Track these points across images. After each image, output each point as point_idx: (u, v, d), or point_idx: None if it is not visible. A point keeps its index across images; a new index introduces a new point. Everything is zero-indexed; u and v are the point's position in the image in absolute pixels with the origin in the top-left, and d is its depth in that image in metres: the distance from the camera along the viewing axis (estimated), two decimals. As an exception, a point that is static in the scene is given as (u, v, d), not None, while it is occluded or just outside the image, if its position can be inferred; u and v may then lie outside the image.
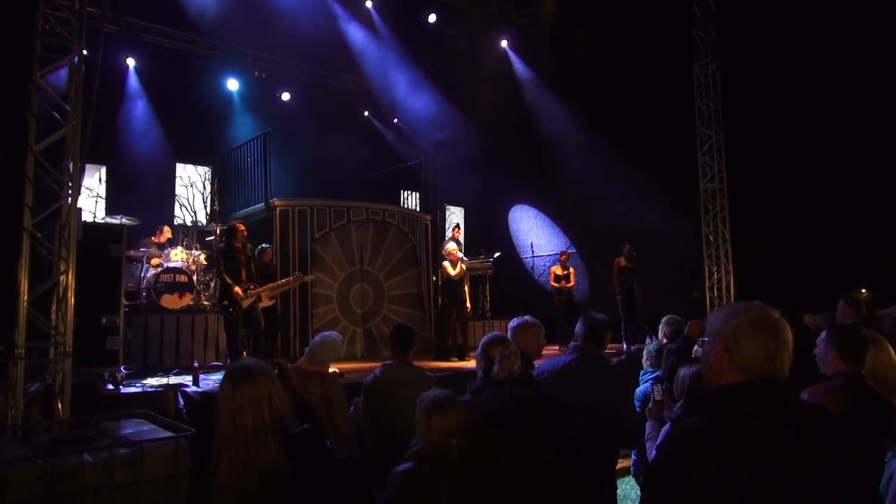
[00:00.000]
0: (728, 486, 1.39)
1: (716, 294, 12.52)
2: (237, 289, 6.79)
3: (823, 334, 2.96)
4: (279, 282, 7.48)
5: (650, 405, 3.53)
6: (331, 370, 4.30)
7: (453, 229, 11.67)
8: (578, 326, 3.64)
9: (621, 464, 5.81)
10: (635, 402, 4.49)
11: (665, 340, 4.96)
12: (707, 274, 12.58)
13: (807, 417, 1.51)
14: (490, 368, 3.20)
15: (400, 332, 4.23)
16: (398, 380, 3.97)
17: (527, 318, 3.87)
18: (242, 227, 7.13)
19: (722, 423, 1.47)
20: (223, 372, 6.88)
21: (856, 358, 2.82)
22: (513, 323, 3.89)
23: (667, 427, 3.17)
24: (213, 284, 9.25)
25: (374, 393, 4.01)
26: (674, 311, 5.65)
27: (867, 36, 10.19)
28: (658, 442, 3.18)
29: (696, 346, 4.74)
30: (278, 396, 2.19)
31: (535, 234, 15.44)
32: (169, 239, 9.46)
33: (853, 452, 1.47)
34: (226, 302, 6.90)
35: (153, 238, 9.34)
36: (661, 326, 5.36)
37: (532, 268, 14.88)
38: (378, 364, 4.23)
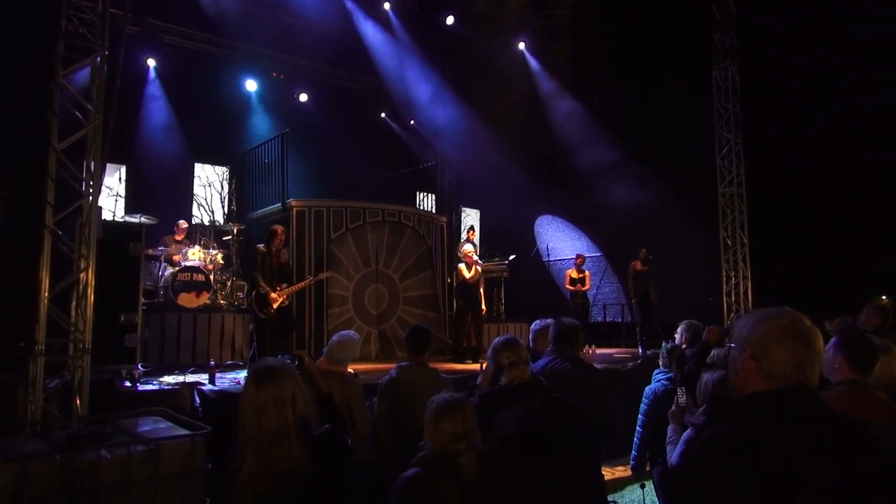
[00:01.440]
0: (755, 496, 1.37)
1: (733, 299, 12.40)
2: (273, 294, 6.98)
3: (833, 339, 2.90)
4: (298, 284, 7.59)
5: (673, 408, 3.52)
6: (349, 370, 4.30)
7: (468, 231, 11.68)
8: (551, 330, 3.76)
9: (625, 471, 5.77)
10: (643, 399, 4.49)
11: (684, 345, 4.91)
12: (725, 278, 12.46)
13: (836, 427, 1.48)
14: (498, 374, 3.21)
15: (416, 333, 4.22)
16: (413, 381, 3.96)
17: (549, 321, 3.89)
18: (281, 233, 7.27)
19: (749, 432, 1.44)
20: (237, 370, 6.91)
21: (864, 367, 2.75)
22: (535, 325, 3.92)
23: (688, 432, 3.15)
24: (229, 284, 9.30)
25: (390, 394, 4.00)
26: (691, 316, 5.59)
27: (890, 37, 10.04)
28: (680, 447, 3.16)
29: (712, 351, 4.69)
30: (302, 397, 2.19)
31: (554, 238, 15.40)
32: (186, 232, 9.55)
33: (884, 462, 1.44)
34: (259, 304, 7.03)
35: (175, 236, 9.43)
36: (679, 330, 5.31)
37: (548, 270, 14.84)
38: (393, 365, 4.24)
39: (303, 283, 7.80)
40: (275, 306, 7.00)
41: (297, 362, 2.69)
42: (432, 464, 2.37)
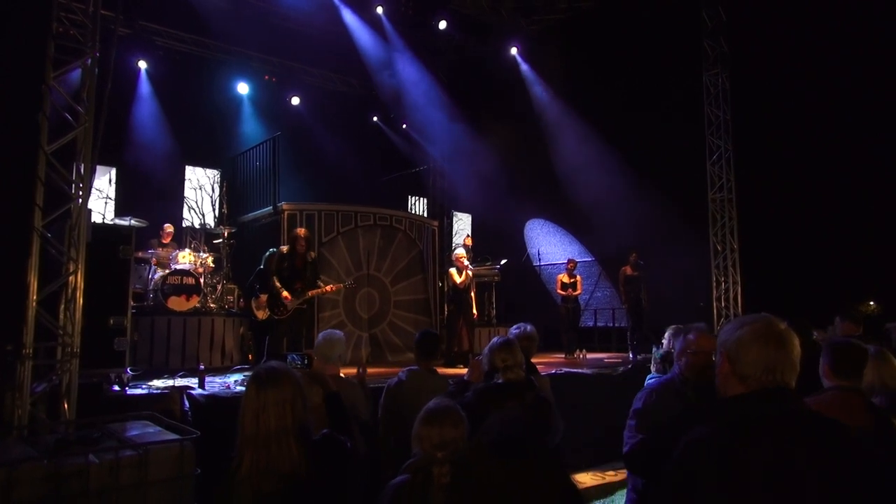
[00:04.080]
0: (733, 497, 1.40)
1: (723, 304, 12.45)
2: (285, 293, 6.82)
3: (823, 347, 2.97)
4: (320, 289, 7.29)
5: None
6: (342, 374, 4.29)
7: (465, 237, 11.73)
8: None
9: (615, 476, 5.79)
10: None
11: (673, 349, 4.93)
12: (714, 284, 12.51)
13: (813, 428, 1.51)
14: (492, 374, 3.24)
15: (425, 338, 4.23)
16: (420, 387, 3.96)
17: (526, 326, 4.13)
18: (303, 234, 7.07)
19: (726, 434, 1.48)
20: (227, 374, 6.83)
21: (848, 373, 2.80)
22: (513, 330, 4.05)
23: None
24: (219, 287, 9.26)
25: (395, 397, 4.02)
26: (682, 321, 5.61)
27: (880, 45, 10.14)
28: None
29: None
30: (302, 401, 2.21)
31: (545, 242, 15.42)
32: (171, 235, 9.50)
33: (862, 462, 1.46)
34: (272, 304, 6.95)
35: (161, 240, 9.39)
36: (666, 336, 5.33)
37: (539, 275, 14.87)
38: (384, 369, 4.23)
39: (326, 289, 7.29)
40: (289, 307, 6.91)
41: (306, 361, 2.69)
42: (419, 470, 2.37)
